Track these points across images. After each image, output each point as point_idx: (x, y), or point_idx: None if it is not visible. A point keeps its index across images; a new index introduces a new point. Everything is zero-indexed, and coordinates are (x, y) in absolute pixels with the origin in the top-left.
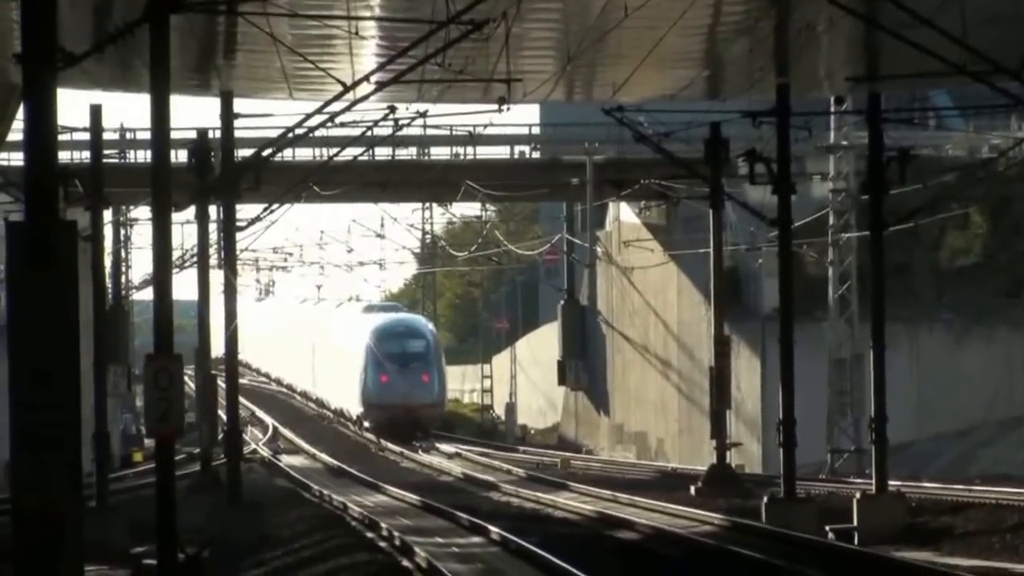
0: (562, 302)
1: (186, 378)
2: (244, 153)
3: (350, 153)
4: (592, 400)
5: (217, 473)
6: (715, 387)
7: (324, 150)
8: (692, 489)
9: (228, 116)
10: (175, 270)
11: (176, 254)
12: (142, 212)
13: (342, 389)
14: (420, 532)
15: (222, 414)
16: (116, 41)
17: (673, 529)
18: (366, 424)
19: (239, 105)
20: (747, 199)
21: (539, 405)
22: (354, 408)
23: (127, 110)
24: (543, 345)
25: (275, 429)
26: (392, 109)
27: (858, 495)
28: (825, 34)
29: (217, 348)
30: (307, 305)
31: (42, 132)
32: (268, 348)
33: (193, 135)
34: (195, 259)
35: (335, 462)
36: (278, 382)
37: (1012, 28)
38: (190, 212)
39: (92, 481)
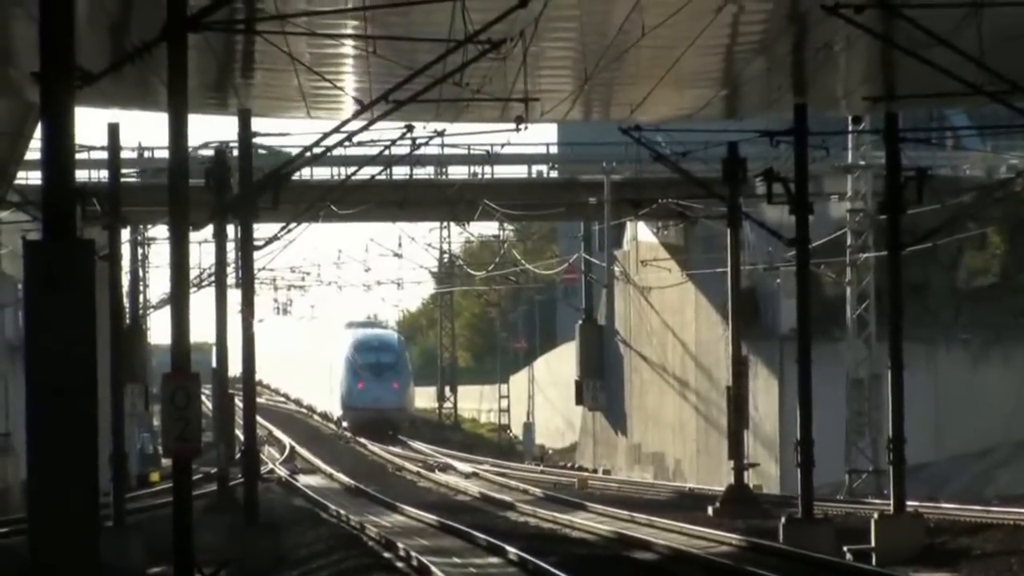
0: (580, 322)
1: (203, 397)
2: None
3: (368, 172)
4: (610, 420)
5: (234, 493)
6: (733, 407)
7: (342, 169)
8: (710, 509)
9: (246, 134)
10: (192, 289)
11: (194, 273)
12: (160, 231)
13: (327, 395)
14: (437, 552)
15: (239, 434)
16: (134, 60)
17: (691, 550)
18: (344, 424)
19: (257, 124)
20: (765, 219)
21: (557, 425)
22: (336, 411)
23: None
24: (561, 365)
25: (292, 448)
26: (410, 128)
27: (876, 516)
28: (843, 53)
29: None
30: (303, 323)
31: (60, 151)
32: (277, 365)
33: (211, 154)
34: (213, 278)
35: (352, 482)
36: (285, 396)
37: None
38: (208, 231)
39: (109, 501)
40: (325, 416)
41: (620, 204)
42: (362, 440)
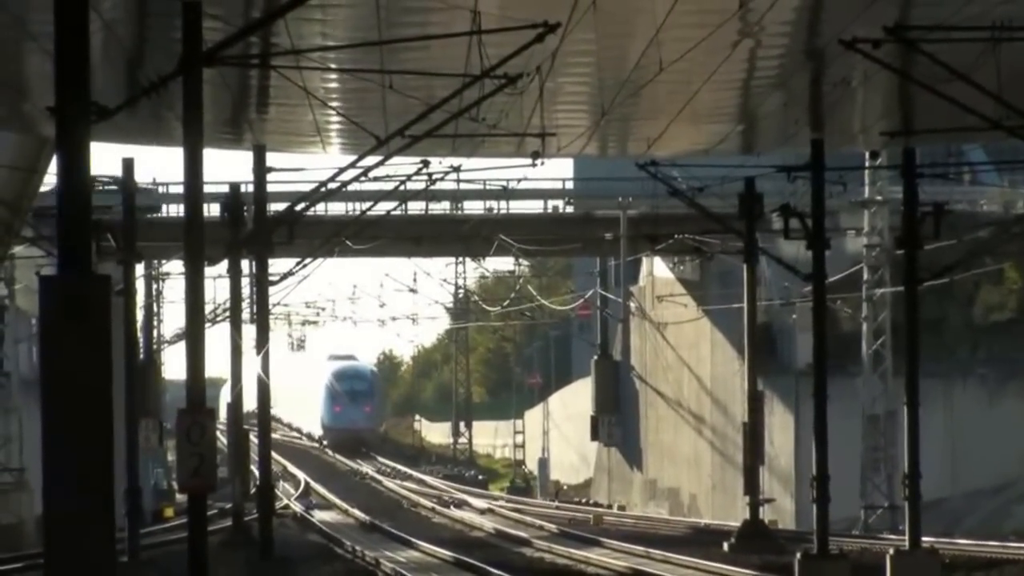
0: (595, 357)
1: (218, 433)
2: (277, 207)
3: (383, 207)
4: (625, 455)
5: (249, 528)
6: (748, 442)
7: (357, 204)
8: (725, 545)
9: (261, 170)
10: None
11: (208, 308)
12: (174, 266)
13: (311, 417)
14: None
15: (254, 469)
16: (149, 94)
17: None
18: (324, 443)
19: (272, 159)
20: (781, 254)
21: (572, 460)
22: (317, 431)
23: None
24: (576, 400)
25: (307, 484)
26: (425, 163)
27: (892, 551)
28: (860, 89)
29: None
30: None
31: (75, 185)
32: (291, 400)
33: (226, 189)
34: (227, 313)
35: (367, 517)
36: (298, 431)
37: None
38: (222, 266)
39: (124, 536)
40: (310, 436)
41: (636, 239)
42: (376, 476)
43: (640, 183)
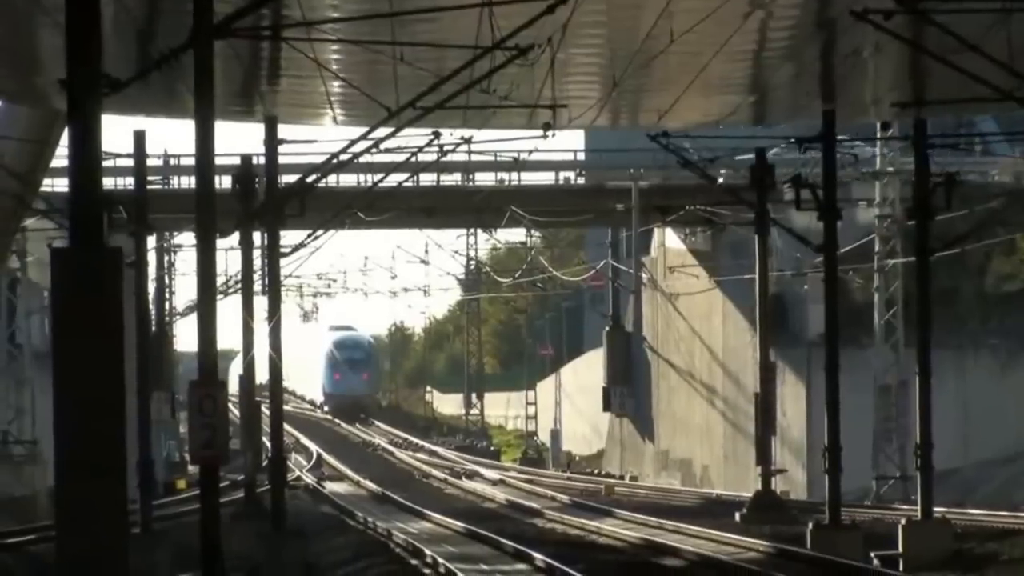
0: (607, 328)
1: (230, 405)
2: (288, 179)
3: (395, 179)
4: (637, 426)
5: (261, 500)
6: (760, 413)
7: (369, 176)
8: (737, 516)
9: (272, 142)
10: (219, 296)
11: (220, 280)
12: (186, 238)
13: (313, 384)
14: (464, 559)
15: (266, 441)
16: (160, 67)
17: (718, 556)
18: (325, 408)
19: (283, 131)
20: (793, 225)
21: (584, 432)
22: (318, 397)
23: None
24: (588, 371)
25: (319, 456)
26: (437, 135)
27: (904, 522)
28: (871, 60)
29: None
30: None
31: (87, 158)
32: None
33: (237, 161)
34: (239, 285)
35: (379, 489)
36: (311, 403)
37: None
38: (234, 238)
39: (136, 508)
40: (312, 403)
41: (648, 210)
42: (389, 448)
43: (651, 154)
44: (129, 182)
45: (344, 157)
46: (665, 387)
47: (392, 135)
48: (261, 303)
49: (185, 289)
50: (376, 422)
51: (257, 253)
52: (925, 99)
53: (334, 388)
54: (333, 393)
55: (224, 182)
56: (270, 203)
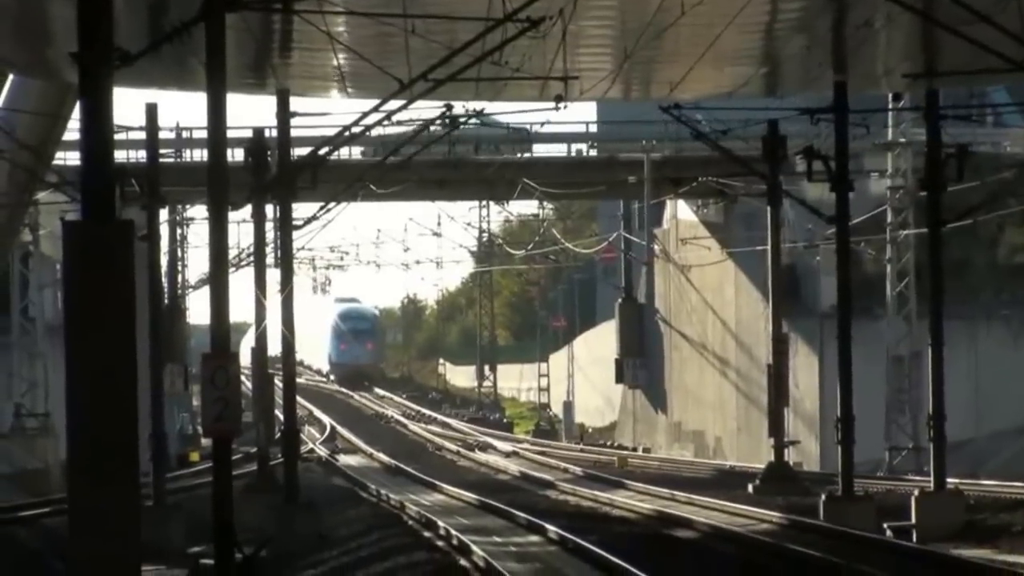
0: (620, 300)
1: (243, 377)
2: (300, 152)
3: (406, 152)
4: (649, 398)
5: (274, 472)
6: (773, 385)
7: (381, 148)
8: (750, 487)
9: (284, 114)
10: (231, 269)
11: (232, 253)
12: (198, 211)
13: (319, 354)
14: (477, 531)
15: (279, 413)
16: (172, 40)
17: (731, 527)
18: (331, 377)
19: (295, 104)
20: (805, 196)
21: (596, 404)
22: (325, 367)
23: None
24: (601, 343)
25: (332, 428)
26: (449, 107)
27: (916, 493)
28: (883, 31)
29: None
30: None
31: (99, 131)
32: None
33: (249, 134)
34: (252, 258)
35: (392, 461)
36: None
37: None
38: (246, 211)
39: (149, 481)
40: (319, 372)
41: (660, 182)
42: (402, 420)
43: (663, 126)
44: (141, 155)
45: (356, 130)
46: (678, 359)
47: (404, 108)
48: (274, 276)
49: (197, 262)
50: (388, 394)
51: (269, 226)
52: (936, 70)
53: (340, 357)
54: (338, 362)
55: (236, 155)
56: (282, 176)
